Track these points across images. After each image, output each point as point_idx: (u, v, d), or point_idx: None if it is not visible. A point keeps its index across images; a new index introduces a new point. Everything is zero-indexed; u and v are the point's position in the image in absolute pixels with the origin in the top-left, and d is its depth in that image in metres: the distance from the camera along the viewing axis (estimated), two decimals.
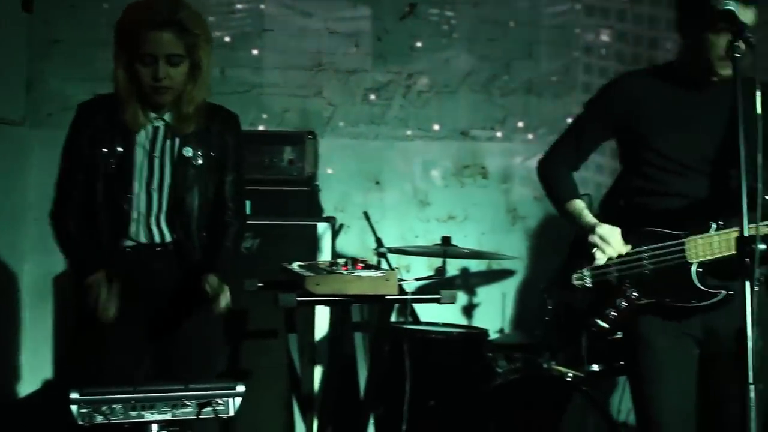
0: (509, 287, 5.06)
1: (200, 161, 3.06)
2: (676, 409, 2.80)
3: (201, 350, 3.07)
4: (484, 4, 5.10)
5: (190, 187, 3.05)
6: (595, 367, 4.04)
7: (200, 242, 3.08)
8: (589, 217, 2.94)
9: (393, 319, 4.71)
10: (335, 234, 4.61)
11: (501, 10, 5.11)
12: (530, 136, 5.10)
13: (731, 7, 2.61)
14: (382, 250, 4.43)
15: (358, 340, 3.76)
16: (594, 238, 2.87)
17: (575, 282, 2.94)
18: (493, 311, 5.02)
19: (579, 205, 2.99)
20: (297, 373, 3.89)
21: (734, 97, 2.49)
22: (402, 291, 3.38)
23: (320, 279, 3.23)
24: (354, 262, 3.36)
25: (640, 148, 2.88)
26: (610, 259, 2.86)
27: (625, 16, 5.17)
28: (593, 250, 2.87)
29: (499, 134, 5.12)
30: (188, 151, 3.04)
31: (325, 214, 4.84)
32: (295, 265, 3.56)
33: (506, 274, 5.06)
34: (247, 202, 3.34)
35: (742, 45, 2.54)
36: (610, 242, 2.85)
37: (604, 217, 2.96)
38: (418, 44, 5.07)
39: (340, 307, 3.78)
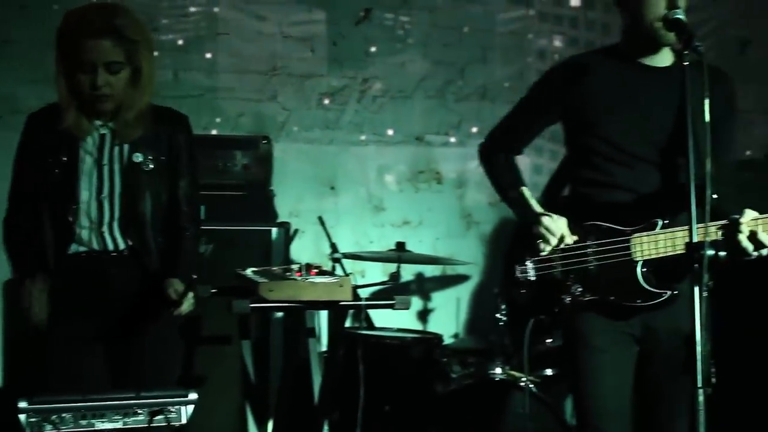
0: (464, 292, 5.08)
1: (151, 166, 3.04)
2: (613, 408, 2.79)
3: (158, 357, 3.06)
4: (439, 10, 5.12)
5: (142, 193, 3.03)
6: (549, 371, 4.07)
7: (157, 247, 3.07)
8: (535, 206, 2.86)
9: (348, 324, 4.72)
10: (290, 239, 4.60)
11: (455, 16, 5.14)
12: (487, 134, 5.11)
13: (680, 16, 2.63)
14: (336, 255, 4.42)
15: (312, 346, 3.74)
16: (539, 229, 2.79)
17: (519, 275, 2.87)
18: (448, 316, 5.04)
19: (525, 193, 2.90)
20: (251, 380, 3.87)
21: (684, 100, 2.48)
22: (357, 296, 3.37)
23: (274, 285, 3.21)
24: (308, 267, 3.35)
25: (587, 135, 2.82)
26: (555, 250, 2.79)
27: (577, 23, 5.23)
28: (538, 241, 2.80)
29: (453, 139, 5.14)
30: (138, 157, 3.03)
31: (280, 220, 4.81)
32: (248, 271, 3.54)
33: (461, 279, 5.08)
34: (201, 207, 3.33)
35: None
36: (556, 233, 2.77)
37: (548, 206, 2.88)
38: (373, 49, 5.08)
39: (295, 313, 3.76)
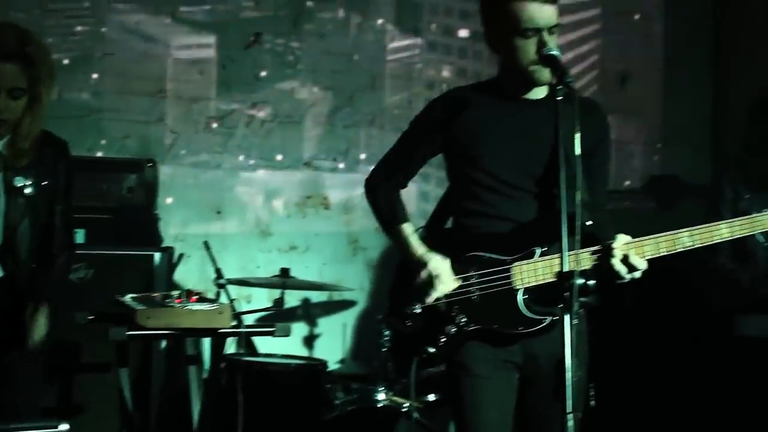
0: (350, 318, 5.08)
1: (31, 190, 2.99)
2: None
3: (23, 387, 2.96)
4: (329, 36, 5.15)
5: (21, 218, 2.99)
6: (432, 397, 4.09)
7: (30, 273, 3.00)
8: (417, 247, 2.87)
9: (232, 350, 4.66)
10: (174, 264, 4.53)
11: (346, 43, 5.18)
12: (372, 168, 5.15)
13: (554, 52, 2.70)
14: (221, 281, 4.36)
15: (192, 374, 3.68)
16: (424, 275, 2.81)
17: (406, 308, 2.87)
18: (334, 342, 5.03)
19: (406, 230, 2.90)
20: (129, 409, 3.79)
21: (556, 137, 2.57)
22: (240, 323, 3.34)
23: (151, 312, 3.16)
24: (188, 294, 3.30)
25: (468, 167, 2.84)
26: (438, 298, 2.82)
27: (466, 53, 5.32)
28: (423, 289, 2.81)
29: (341, 165, 5.16)
30: (19, 181, 2.98)
31: (165, 244, 4.74)
32: (128, 298, 3.48)
33: (348, 304, 5.08)
34: (82, 231, 3.26)
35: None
36: (442, 280, 2.80)
37: (431, 239, 2.90)
38: (263, 74, 5.07)
39: (174, 341, 3.70)
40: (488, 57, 5.31)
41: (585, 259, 2.68)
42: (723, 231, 2.68)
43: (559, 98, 2.60)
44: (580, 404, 2.71)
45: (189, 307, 3.18)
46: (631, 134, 5.69)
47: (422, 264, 2.83)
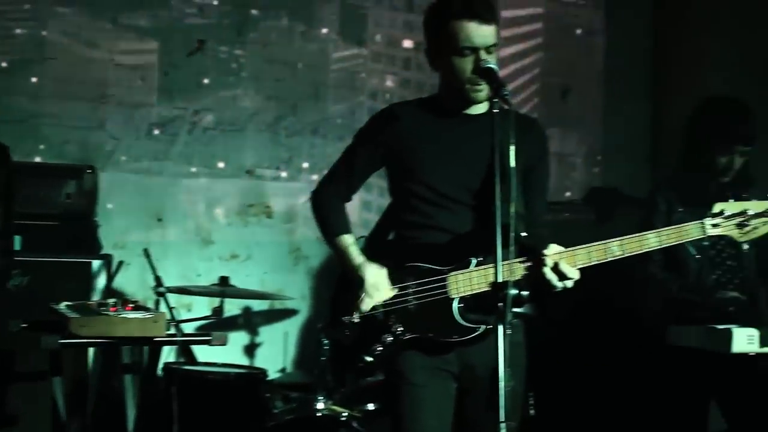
0: (292, 326, 5.07)
1: None
2: None
3: None
4: (273, 45, 5.15)
5: None
6: (371, 406, 4.10)
7: None
8: (356, 256, 2.93)
9: (173, 359, 4.62)
10: (113, 272, 4.47)
11: (289, 52, 5.18)
12: (315, 177, 5.15)
13: (492, 65, 2.74)
14: (161, 289, 4.34)
15: (127, 382, 3.64)
16: (361, 284, 2.87)
17: (344, 318, 2.92)
18: (276, 350, 5.02)
19: (347, 240, 2.97)
20: (62, 418, 3.73)
21: (492, 148, 2.60)
22: (179, 331, 3.31)
23: (85, 321, 3.12)
24: (124, 302, 3.27)
25: (408, 180, 2.91)
26: (375, 307, 2.87)
27: (409, 64, 5.36)
28: (360, 297, 2.87)
29: (284, 174, 5.16)
30: None
31: (104, 251, 4.68)
32: (62, 305, 3.42)
33: (289, 313, 5.07)
34: (18, 238, 3.21)
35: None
36: (378, 288, 2.86)
37: (372, 251, 2.96)
38: (206, 81, 5.04)
39: (109, 349, 3.66)
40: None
41: (518, 269, 2.73)
42: (651, 241, 2.74)
43: (495, 111, 2.64)
44: (516, 414, 2.75)
45: (124, 316, 3.14)
46: (571, 147, 5.78)
47: (359, 273, 2.89)
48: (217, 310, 4.06)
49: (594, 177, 5.83)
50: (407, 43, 5.38)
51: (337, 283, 3.02)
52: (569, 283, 2.73)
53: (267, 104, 5.13)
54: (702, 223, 2.73)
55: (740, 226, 2.72)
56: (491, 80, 2.71)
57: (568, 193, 5.70)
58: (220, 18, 5.08)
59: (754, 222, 2.72)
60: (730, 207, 2.72)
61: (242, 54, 5.11)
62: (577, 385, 4.69)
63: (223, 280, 4.20)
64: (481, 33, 2.76)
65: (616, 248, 2.71)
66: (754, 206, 2.70)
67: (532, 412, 4.66)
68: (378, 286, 2.86)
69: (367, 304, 2.87)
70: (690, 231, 2.74)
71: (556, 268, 2.70)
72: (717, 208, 2.75)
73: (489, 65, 2.75)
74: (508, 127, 2.59)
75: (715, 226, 2.74)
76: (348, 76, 5.27)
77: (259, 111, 5.12)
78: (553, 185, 5.64)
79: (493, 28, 2.79)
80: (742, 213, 2.71)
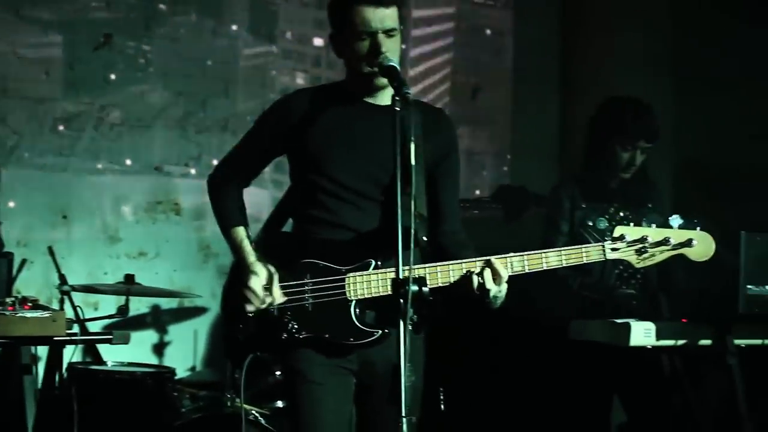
0: (202, 324, 5.02)
1: None
2: None
3: None
4: (182, 40, 5.08)
5: None
6: (279, 404, 4.09)
7: None
8: (249, 254, 2.82)
9: (78, 359, 4.54)
10: (16, 270, 4.36)
11: (199, 48, 5.12)
12: (215, 167, 5.10)
13: (393, 63, 2.71)
14: (65, 287, 4.25)
15: (27, 383, 3.56)
16: (252, 285, 2.77)
17: (236, 314, 2.83)
18: (185, 349, 4.96)
19: (240, 234, 2.86)
20: None
21: (394, 143, 2.53)
22: (84, 330, 3.24)
23: None
24: (22, 301, 3.19)
25: (311, 171, 2.82)
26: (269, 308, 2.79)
27: (319, 62, 5.35)
28: (247, 299, 2.77)
29: (193, 171, 5.10)
30: None
31: (6, 249, 4.56)
32: None
33: (199, 311, 5.02)
34: None
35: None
36: (269, 292, 2.77)
37: (268, 243, 2.88)
38: (113, 76, 4.95)
39: (8, 349, 3.57)
40: (342, 66, 5.38)
41: (428, 276, 2.69)
42: (552, 260, 2.73)
43: (397, 109, 2.58)
44: (416, 408, 2.71)
45: (22, 315, 3.06)
46: (481, 145, 5.85)
47: (251, 273, 2.78)
48: (123, 309, 4.00)
49: (503, 175, 5.92)
50: (318, 41, 5.37)
51: (230, 273, 2.91)
52: (496, 291, 2.69)
53: (176, 100, 5.06)
54: (602, 246, 2.75)
55: (638, 252, 2.76)
56: (392, 78, 2.66)
57: (477, 192, 5.77)
58: (128, 12, 4.99)
59: (651, 250, 2.76)
60: (631, 232, 2.75)
61: (150, 49, 5.03)
62: (486, 379, 4.76)
63: (129, 278, 4.13)
64: (379, 16, 2.72)
65: (517, 263, 2.70)
66: (653, 234, 2.74)
67: (442, 407, 4.72)
68: (269, 289, 2.77)
69: (253, 307, 2.78)
70: (591, 253, 2.76)
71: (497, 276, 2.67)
72: (618, 231, 2.76)
73: (390, 63, 2.69)
74: (418, 122, 2.57)
75: (614, 250, 2.76)
76: (258, 72, 5.24)
77: (168, 107, 5.06)
78: (463, 183, 5.66)
79: (393, 11, 2.75)
80: (642, 239, 2.75)
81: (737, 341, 3.43)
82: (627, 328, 3.37)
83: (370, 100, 2.85)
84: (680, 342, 3.45)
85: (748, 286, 3.31)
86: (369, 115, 2.83)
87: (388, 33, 2.74)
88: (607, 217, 2.75)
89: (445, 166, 2.91)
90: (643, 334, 3.37)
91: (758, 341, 3.52)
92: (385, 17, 2.74)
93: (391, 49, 2.75)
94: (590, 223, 2.81)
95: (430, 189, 2.87)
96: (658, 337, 3.39)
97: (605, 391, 3.90)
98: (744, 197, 4.81)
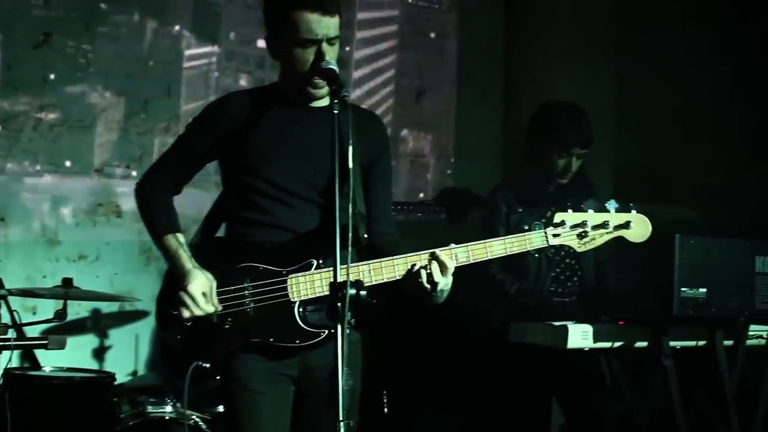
0: (143, 328, 4.96)
1: None
2: None
3: None
4: (123, 40, 5.01)
5: None
6: (221, 409, 4.06)
7: None
8: (185, 261, 2.78)
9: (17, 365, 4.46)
10: None
11: (140, 48, 5.06)
12: (144, 172, 5.04)
13: (332, 66, 2.72)
14: (2, 291, 4.17)
15: None
16: (190, 291, 2.72)
17: (173, 320, 2.79)
18: (127, 353, 4.90)
19: (175, 241, 2.82)
20: None
21: (337, 144, 2.54)
22: (20, 335, 3.18)
23: None
24: None
25: (246, 174, 2.80)
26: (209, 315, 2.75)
27: (263, 64, 5.32)
28: (186, 306, 2.73)
29: (135, 173, 5.02)
30: None
31: None
32: None
33: (140, 315, 4.96)
34: None
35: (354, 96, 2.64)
36: (207, 300, 2.73)
37: (204, 248, 2.84)
38: (52, 76, 4.85)
39: None
40: None
41: (365, 273, 2.70)
42: (496, 248, 2.77)
43: (335, 111, 2.59)
44: (354, 413, 2.68)
45: None
46: (425, 148, 5.87)
47: (191, 280, 2.74)
48: (60, 313, 3.93)
49: (447, 178, 5.94)
50: (262, 43, 5.30)
51: (164, 280, 2.88)
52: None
53: (117, 101, 4.99)
54: (544, 232, 2.79)
55: (580, 236, 2.81)
56: (331, 81, 2.67)
57: (421, 194, 5.79)
58: (68, 11, 4.89)
59: (592, 233, 2.81)
60: (571, 218, 2.80)
61: (90, 49, 4.94)
62: (429, 382, 4.78)
63: (67, 282, 4.07)
64: (323, 24, 2.71)
65: (461, 254, 2.74)
66: (593, 218, 2.81)
67: (386, 409, 4.73)
68: (207, 297, 2.73)
69: (189, 314, 2.73)
70: (533, 240, 2.80)
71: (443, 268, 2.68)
72: (558, 218, 2.80)
73: (329, 66, 2.70)
74: (348, 125, 2.54)
75: (556, 236, 2.80)
76: (201, 74, 5.19)
77: (109, 108, 4.98)
78: (407, 186, 5.74)
79: (336, 20, 2.74)
80: (582, 224, 2.80)
81: (672, 343, 3.49)
82: (565, 330, 3.41)
83: (306, 103, 2.84)
84: (617, 344, 3.49)
85: (682, 289, 3.37)
86: (305, 117, 2.83)
87: (331, 41, 2.74)
88: (543, 221, 2.78)
89: (378, 168, 2.92)
90: (580, 336, 3.41)
91: (692, 343, 3.58)
92: (330, 26, 2.74)
93: (333, 58, 2.75)
94: (526, 227, 2.86)
95: (364, 191, 2.87)
96: (595, 339, 3.44)
97: (545, 393, 3.94)
98: (682, 200, 4.89)
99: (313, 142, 2.78)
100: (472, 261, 2.76)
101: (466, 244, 2.75)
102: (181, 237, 2.84)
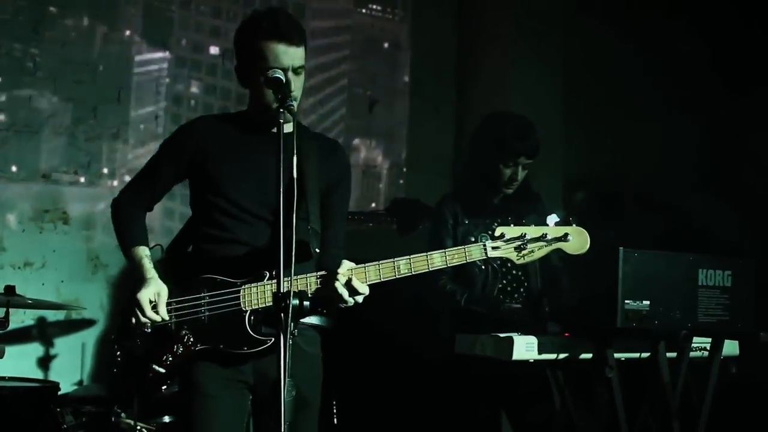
0: (90, 337, 4.91)
1: None
2: None
3: None
4: (72, 45, 4.97)
5: None
6: (166, 419, 4.03)
7: None
8: (147, 270, 2.91)
9: None
10: None
11: (90, 53, 5.01)
12: (115, 183, 5.03)
13: (279, 75, 2.78)
14: None
15: None
16: (132, 301, 2.84)
17: (134, 327, 2.89)
18: (72, 363, 4.85)
19: (141, 252, 2.96)
20: None
21: (278, 158, 2.64)
22: None
23: None
24: None
25: (209, 193, 2.95)
26: (162, 321, 2.85)
27: (215, 71, 5.30)
28: (139, 310, 2.84)
29: (82, 179, 4.98)
30: None
31: None
32: None
33: (86, 323, 4.91)
34: None
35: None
36: (158, 306, 2.85)
37: (169, 264, 2.99)
38: None
39: None
40: (233, 74, 5.33)
41: (312, 284, 2.82)
42: (437, 260, 2.84)
43: (281, 120, 2.70)
44: (312, 423, 2.92)
45: None
46: (377, 158, 5.87)
47: (143, 286, 2.87)
48: (2, 321, 3.87)
49: (399, 188, 5.95)
50: (213, 50, 5.32)
51: (131, 292, 2.95)
52: (359, 299, 2.82)
53: (65, 106, 4.94)
54: (484, 245, 2.86)
55: (518, 249, 2.86)
56: (277, 90, 2.78)
57: (373, 204, 5.80)
58: (15, 14, 4.84)
59: (531, 246, 2.86)
60: (510, 231, 2.86)
61: (38, 53, 4.89)
62: (379, 393, 4.77)
63: (9, 289, 4.01)
64: (289, 55, 2.84)
65: (403, 266, 2.81)
66: (531, 231, 2.86)
67: (335, 420, 4.72)
68: (153, 305, 2.85)
69: (139, 320, 2.85)
70: (472, 252, 2.86)
71: (348, 284, 2.78)
72: (498, 231, 2.87)
73: (276, 75, 2.80)
74: (311, 147, 2.73)
75: (495, 248, 2.86)
76: (151, 80, 5.15)
77: (57, 113, 4.93)
78: (359, 196, 5.73)
79: (302, 50, 2.88)
80: (521, 237, 2.85)
81: (616, 355, 3.51)
82: (510, 342, 3.42)
83: (272, 130, 2.95)
84: (562, 355, 3.51)
85: (626, 301, 3.40)
86: (269, 142, 2.92)
87: (297, 71, 2.87)
88: (490, 232, 2.82)
89: (336, 195, 3.06)
90: (525, 348, 3.43)
91: (636, 355, 3.61)
92: (296, 56, 2.87)
93: (298, 87, 2.89)
94: (473, 239, 2.88)
95: (320, 213, 3.01)
96: (540, 351, 3.46)
97: (494, 405, 3.95)
98: (628, 212, 4.95)
99: (269, 164, 2.87)
100: (413, 272, 2.83)
101: (408, 257, 2.82)
102: (146, 250, 2.98)
